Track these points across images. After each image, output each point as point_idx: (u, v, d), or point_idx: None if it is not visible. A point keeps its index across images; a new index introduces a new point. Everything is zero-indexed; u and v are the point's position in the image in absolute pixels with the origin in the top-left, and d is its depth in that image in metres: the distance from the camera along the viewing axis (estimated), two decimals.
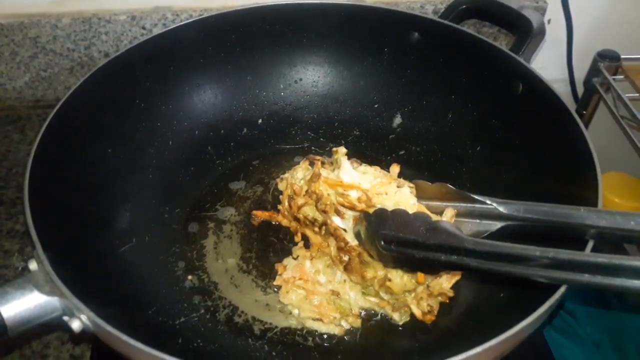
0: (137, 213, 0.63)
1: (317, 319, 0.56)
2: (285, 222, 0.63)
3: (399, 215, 0.49)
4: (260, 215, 0.66)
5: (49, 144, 0.55)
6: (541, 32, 0.73)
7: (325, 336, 0.56)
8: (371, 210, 0.51)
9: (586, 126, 0.57)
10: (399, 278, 0.52)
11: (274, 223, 0.66)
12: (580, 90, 0.92)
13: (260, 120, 0.77)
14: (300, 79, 0.79)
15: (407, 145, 0.75)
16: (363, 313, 0.57)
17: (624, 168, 0.89)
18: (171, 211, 0.67)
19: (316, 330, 0.56)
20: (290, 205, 0.60)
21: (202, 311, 0.57)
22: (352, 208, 0.54)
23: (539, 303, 0.43)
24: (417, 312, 0.54)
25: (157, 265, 0.61)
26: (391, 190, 0.55)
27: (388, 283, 0.52)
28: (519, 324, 0.42)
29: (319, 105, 0.79)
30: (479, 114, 0.70)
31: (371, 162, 0.73)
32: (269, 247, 0.64)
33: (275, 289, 0.59)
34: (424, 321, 0.55)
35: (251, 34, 0.75)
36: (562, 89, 0.94)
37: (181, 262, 0.62)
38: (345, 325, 0.56)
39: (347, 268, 0.55)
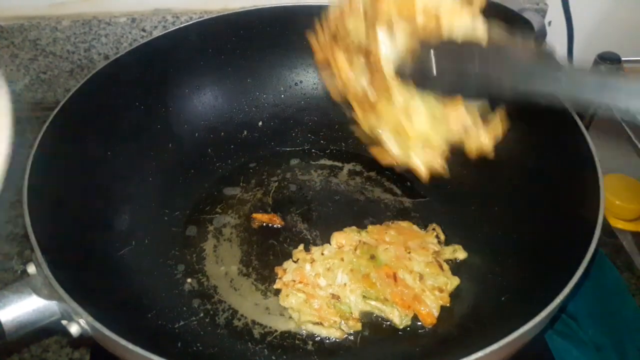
0: (136, 216, 0.63)
1: (318, 323, 0.56)
2: (315, 47, 0.55)
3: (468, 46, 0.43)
4: (260, 218, 0.66)
5: (48, 146, 0.55)
6: (542, 34, 0.72)
7: (325, 340, 0.55)
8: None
9: (587, 128, 0.57)
10: (422, 117, 0.46)
11: (273, 226, 0.66)
12: None
13: (260, 123, 0.77)
14: (301, 81, 0.78)
15: None
16: (362, 316, 0.57)
17: (625, 170, 0.89)
18: (171, 214, 0.66)
19: (316, 334, 0.56)
20: (336, 26, 0.51)
21: (202, 315, 0.57)
22: (412, 19, 0.44)
23: (540, 307, 0.42)
24: (423, 172, 0.49)
25: (157, 268, 0.61)
26: (467, 18, 0.45)
27: (406, 125, 0.47)
28: (521, 328, 0.41)
29: (319, 108, 0.78)
30: None
31: (371, 163, 0.73)
32: (268, 251, 0.63)
33: (275, 293, 0.59)
34: (425, 324, 0.55)
35: (251, 36, 0.74)
36: None
37: (181, 265, 0.62)
38: (346, 328, 0.56)
39: (372, 84, 0.47)
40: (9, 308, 0.43)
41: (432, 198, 0.69)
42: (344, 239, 0.61)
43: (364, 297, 0.56)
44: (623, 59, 0.83)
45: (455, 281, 0.59)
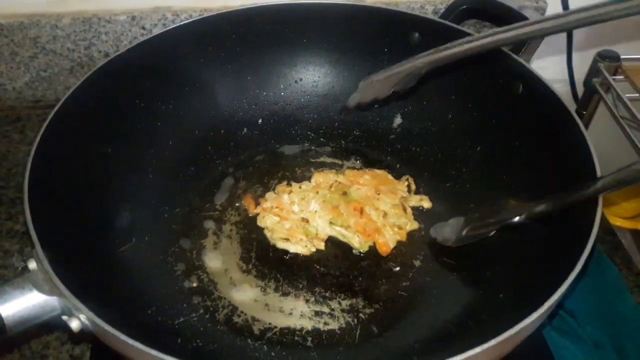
0: (136, 213, 0.63)
1: (286, 239, 0.62)
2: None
3: None
4: (250, 204, 0.67)
5: (48, 144, 0.55)
6: None
7: (324, 336, 0.56)
8: None
9: (586, 126, 0.57)
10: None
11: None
12: (580, 90, 0.92)
13: (260, 120, 0.77)
14: (301, 79, 0.79)
15: (407, 146, 0.75)
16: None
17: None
18: (171, 211, 0.66)
19: (315, 330, 0.56)
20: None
21: (202, 311, 0.57)
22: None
23: (538, 303, 0.43)
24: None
25: (157, 265, 0.61)
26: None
27: None
28: (519, 324, 0.41)
29: (319, 105, 0.79)
30: (479, 114, 0.70)
31: (371, 162, 0.74)
32: (268, 247, 0.64)
33: (275, 289, 0.59)
34: (380, 253, 0.62)
35: (251, 33, 0.74)
36: (562, 89, 0.93)
37: (181, 262, 0.62)
38: (310, 246, 0.62)
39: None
40: (10, 303, 0.43)
41: (432, 196, 0.69)
42: (322, 178, 0.68)
43: (331, 223, 0.63)
44: (622, 57, 0.83)
45: (414, 225, 0.65)
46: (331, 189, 0.66)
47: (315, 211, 0.64)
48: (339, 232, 0.63)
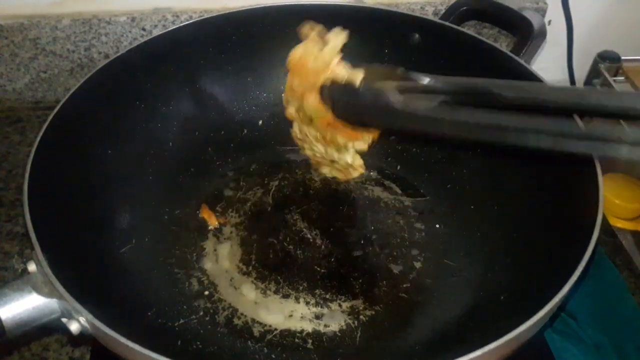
0: (136, 214, 0.63)
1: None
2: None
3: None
4: (208, 216, 0.66)
5: (48, 145, 0.55)
6: (542, 34, 0.72)
7: (325, 338, 0.55)
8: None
9: None
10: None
11: (273, 225, 0.66)
12: None
13: (260, 122, 0.77)
14: None
15: (407, 147, 0.75)
16: None
17: (625, 169, 0.89)
18: (171, 212, 0.66)
19: (315, 332, 0.56)
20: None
21: (202, 313, 0.57)
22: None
23: (539, 306, 0.43)
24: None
25: (157, 266, 0.61)
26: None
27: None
28: (520, 327, 0.41)
29: None
30: None
31: (372, 164, 0.73)
32: (268, 249, 0.63)
33: (275, 292, 0.59)
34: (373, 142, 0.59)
35: (252, 35, 0.74)
36: None
37: (181, 264, 0.62)
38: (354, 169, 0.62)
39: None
40: (10, 306, 0.43)
41: (432, 197, 0.69)
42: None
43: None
44: (623, 58, 0.83)
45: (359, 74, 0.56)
46: (300, 116, 0.61)
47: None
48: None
